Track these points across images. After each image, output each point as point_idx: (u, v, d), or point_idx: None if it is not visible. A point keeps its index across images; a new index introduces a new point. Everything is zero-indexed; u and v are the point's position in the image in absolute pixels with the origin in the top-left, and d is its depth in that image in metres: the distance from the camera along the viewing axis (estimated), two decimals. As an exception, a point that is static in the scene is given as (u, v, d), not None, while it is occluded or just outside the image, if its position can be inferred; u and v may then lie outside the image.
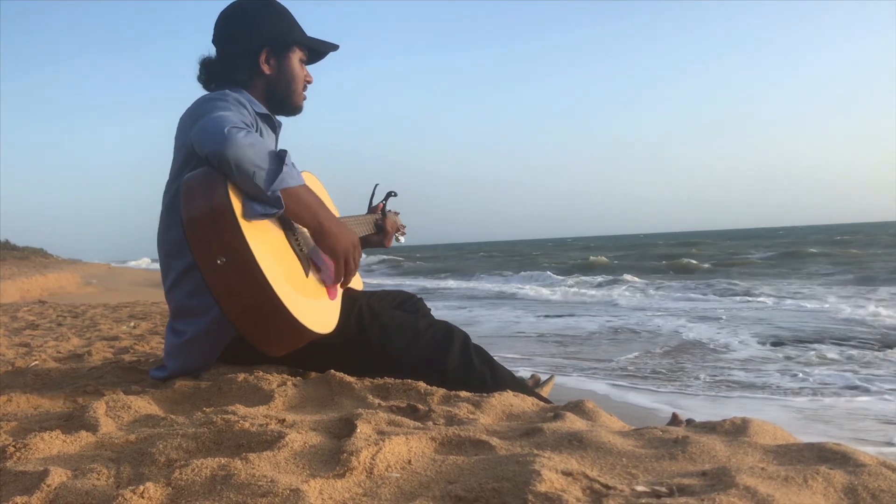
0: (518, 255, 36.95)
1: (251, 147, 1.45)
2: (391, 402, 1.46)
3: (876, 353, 5.57)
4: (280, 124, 1.95)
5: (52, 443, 1.16)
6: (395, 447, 1.06)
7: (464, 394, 1.54)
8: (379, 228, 2.21)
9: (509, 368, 1.85)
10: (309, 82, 1.95)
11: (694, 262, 21.92)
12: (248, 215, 1.46)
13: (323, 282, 1.69)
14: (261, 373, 1.69)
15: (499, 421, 1.35)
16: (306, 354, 1.65)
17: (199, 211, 1.45)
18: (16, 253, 29.52)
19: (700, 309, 9.60)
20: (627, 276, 16.84)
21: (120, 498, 0.88)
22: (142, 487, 0.90)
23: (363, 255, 1.82)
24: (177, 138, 1.75)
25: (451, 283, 18.99)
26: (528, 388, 1.84)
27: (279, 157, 1.49)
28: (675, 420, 1.81)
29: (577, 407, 1.44)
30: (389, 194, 2.29)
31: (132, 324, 4.30)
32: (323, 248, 1.62)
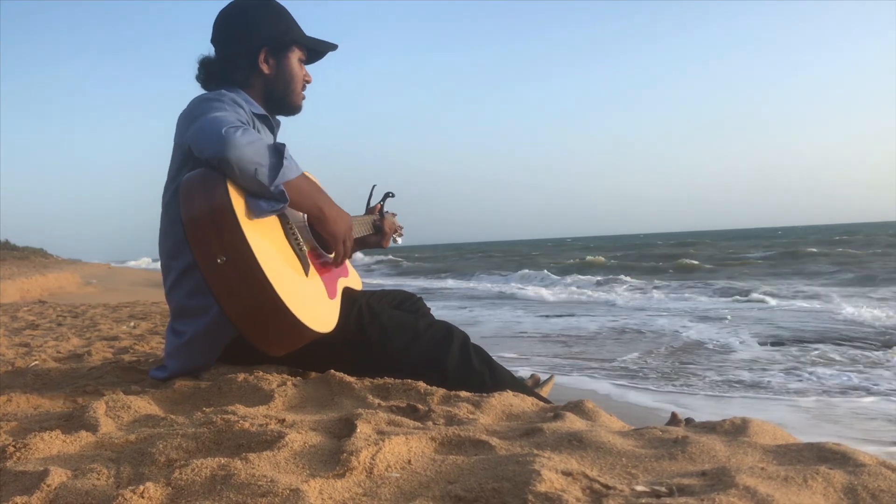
0: (517, 255, 36.96)
1: (250, 145, 1.46)
2: (391, 402, 1.46)
3: (877, 353, 5.58)
4: (279, 124, 1.95)
5: (52, 443, 1.16)
6: (394, 447, 1.06)
7: (464, 394, 1.54)
8: (377, 229, 2.21)
9: (513, 368, 1.85)
10: (308, 82, 1.95)
11: (693, 262, 21.92)
12: (255, 213, 1.47)
13: (324, 283, 1.70)
14: (261, 373, 1.69)
15: (499, 421, 1.36)
16: (306, 354, 1.66)
17: (199, 210, 1.45)
18: (16, 253, 29.51)
19: (701, 309, 9.60)
20: (625, 277, 16.84)
21: (120, 498, 0.88)
22: (142, 487, 0.90)
23: (362, 255, 1.83)
24: (174, 139, 1.75)
25: (450, 284, 19.01)
26: (527, 388, 1.84)
27: (278, 151, 1.50)
28: (674, 420, 1.81)
29: (576, 407, 1.44)
30: (387, 195, 2.29)
31: (132, 324, 4.30)
32: (323, 233, 1.67)
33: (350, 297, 1.83)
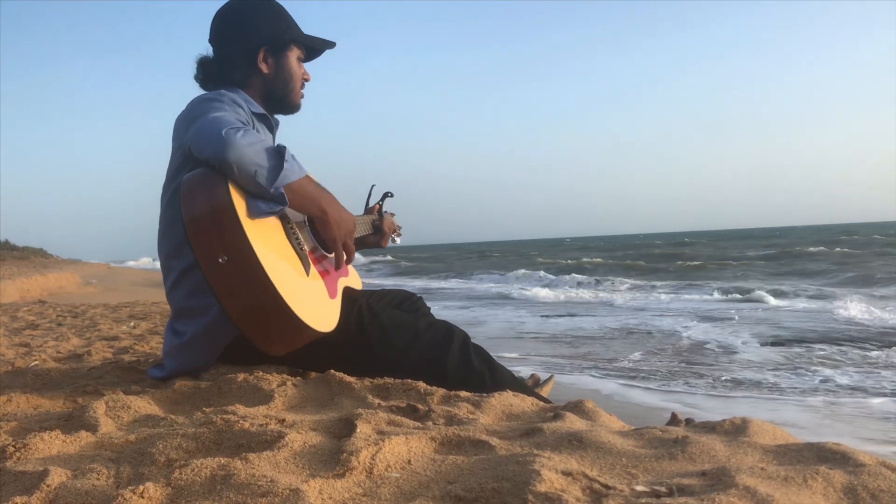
0: (515, 255, 36.97)
1: (250, 146, 1.46)
2: (391, 402, 1.46)
3: (878, 352, 5.58)
4: (277, 123, 1.95)
5: (52, 443, 1.16)
6: (394, 447, 1.06)
7: (464, 394, 1.54)
8: (376, 229, 2.21)
9: (514, 368, 1.85)
10: (306, 80, 1.95)
11: (693, 262, 21.91)
12: (253, 214, 1.47)
13: (325, 283, 1.70)
14: (261, 373, 1.69)
15: (499, 421, 1.36)
16: (306, 354, 1.66)
17: (201, 210, 1.45)
18: (16, 253, 29.50)
19: (702, 309, 9.60)
20: (624, 277, 16.84)
21: (120, 498, 0.88)
22: (142, 487, 0.90)
23: (360, 255, 1.83)
24: (174, 139, 1.75)
25: (447, 284, 19.01)
26: (527, 387, 1.84)
27: (279, 153, 1.50)
28: (674, 420, 1.81)
29: (576, 407, 1.44)
30: (386, 195, 2.29)
31: (132, 324, 4.30)
32: (325, 235, 1.65)
33: (350, 297, 1.83)
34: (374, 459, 1.01)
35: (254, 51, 1.83)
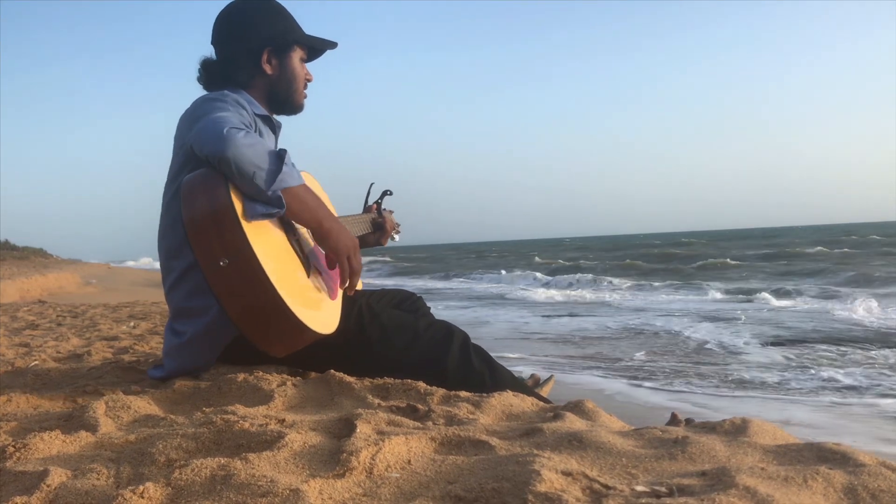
0: (515, 255, 36.97)
1: (251, 147, 1.46)
2: (391, 402, 1.46)
3: (883, 352, 5.58)
4: (280, 125, 1.95)
5: (52, 443, 1.16)
6: (394, 447, 1.06)
7: (463, 394, 1.54)
8: (376, 227, 2.21)
9: (514, 368, 1.85)
10: (309, 80, 1.95)
11: (693, 262, 21.91)
12: (250, 215, 1.46)
13: (325, 284, 1.70)
14: (261, 373, 1.69)
15: (499, 421, 1.36)
16: (306, 355, 1.66)
17: (201, 211, 1.45)
18: (15, 253, 29.49)
19: (704, 310, 9.59)
20: (623, 277, 16.84)
21: (120, 498, 0.88)
22: (142, 487, 0.90)
23: (362, 256, 1.83)
24: (176, 139, 1.75)
25: (443, 284, 19.02)
26: (527, 387, 1.84)
27: (279, 157, 1.49)
28: (674, 420, 1.81)
29: (576, 407, 1.44)
30: (385, 193, 2.29)
31: (132, 324, 4.30)
32: (324, 248, 1.63)
33: (350, 297, 1.83)
34: (374, 459, 1.01)
35: (257, 52, 1.83)
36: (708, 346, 6.22)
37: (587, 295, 13.16)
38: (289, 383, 1.62)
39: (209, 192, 1.46)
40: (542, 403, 1.55)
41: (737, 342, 6.35)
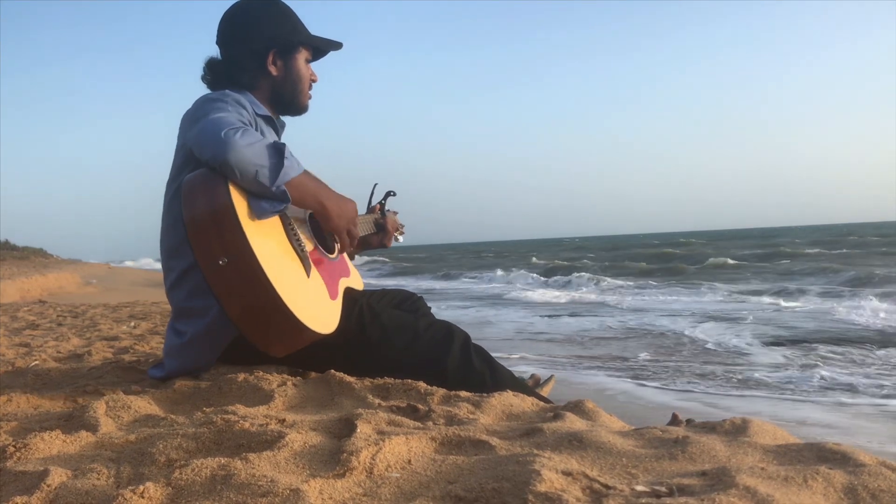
0: (515, 255, 36.96)
1: (250, 147, 1.46)
2: (391, 402, 1.46)
3: (881, 352, 5.58)
4: (283, 125, 1.95)
5: (52, 443, 1.16)
6: (395, 447, 1.06)
7: (464, 394, 1.54)
8: (379, 227, 2.21)
9: (521, 368, 1.85)
10: (314, 81, 1.95)
11: (692, 263, 21.90)
12: (257, 214, 1.47)
13: (325, 284, 1.70)
14: (261, 373, 1.69)
15: (499, 421, 1.36)
16: (306, 355, 1.66)
17: (201, 211, 1.45)
18: (16, 253, 29.49)
19: (707, 310, 9.58)
20: (623, 277, 16.84)
21: (120, 498, 0.88)
22: (142, 487, 0.90)
23: (362, 256, 1.84)
24: (178, 137, 1.75)
25: (443, 284, 19.02)
26: (528, 387, 1.84)
27: (278, 151, 1.50)
28: (674, 420, 1.81)
29: (576, 407, 1.44)
30: (388, 194, 2.29)
31: (132, 324, 4.30)
32: (326, 227, 1.69)
33: (351, 297, 1.83)
34: (374, 459, 1.01)
35: (262, 54, 1.83)
36: (713, 346, 6.21)
37: (587, 295, 13.16)
38: (289, 383, 1.62)
39: (209, 192, 1.46)
40: (542, 403, 1.55)
41: (742, 342, 6.34)
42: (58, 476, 0.96)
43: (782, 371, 4.92)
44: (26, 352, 2.78)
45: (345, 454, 1.02)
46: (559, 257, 30.62)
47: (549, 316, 9.44)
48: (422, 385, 1.58)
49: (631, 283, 15.27)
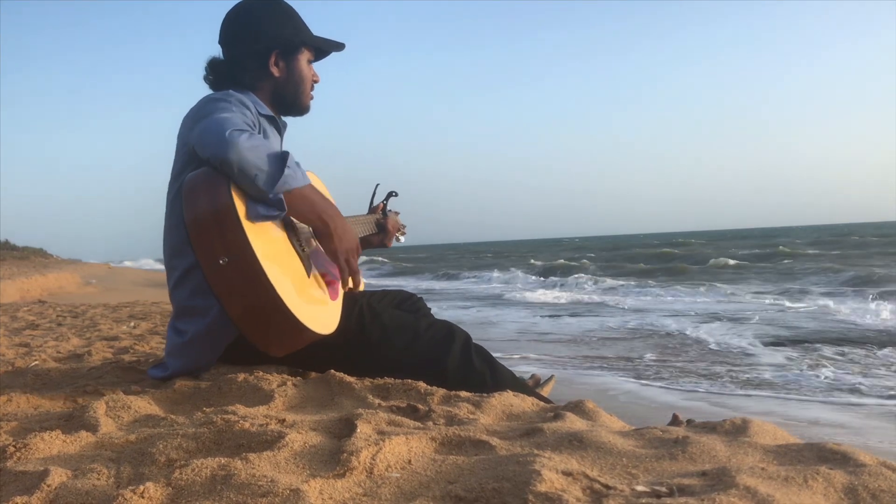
0: (515, 256, 36.96)
1: (253, 150, 1.46)
2: (391, 402, 1.46)
3: (881, 352, 5.58)
4: (285, 125, 1.95)
5: (52, 443, 1.16)
6: (395, 447, 1.06)
7: (464, 394, 1.54)
8: (380, 228, 2.21)
9: (521, 368, 1.85)
10: (316, 82, 1.95)
11: (693, 263, 21.90)
12: (251, 217, 1.47)
13: (326, 285, 1.70)
14: (261, 373, 1.69)
15: (499, 421, 1.36)
16: (306, 355, 1.66)
17: (202, 211, 1.45)
18: (16, 253, 29.50)
19: (710, 310, 9.57)
20: (624, 277, 16.84)
21: (120, 498, 0.88)
22: (142, 487, 0.90)
23: (361, 256, 1.83)
24: (179, 138, 1.75)
25: (443, 284, 19.01)
26: (528, 387, 1.84)
27: (281, 159, 1.49)
28: (675, 420, 1.81)
29: (577, 407, 1.44)
30: (390, 194, 2.29)
31: (132, 324, 4.30)
32: (325, 248, 1.64)
33: (351, 297, 1.83)
34: (374, 459, 1.01)
35: (265, 54, 1.82)
36: (717, 346, 6.20)
37: (587, 295, 13.15)
38: (289, 383, 1.62)
39: (211, 192, 1.46)
40: (542, 403, 1.55)
41: (746, 342, 6.33)
42: (58, 476, 0.96)
43: (790, 371, 4.91)
44: (26, 352, 2.78)
45: (345, 454, 1.02)
46: (560, 257, 30.61)
47: (550, 316, 9.43)
48: (422, 385, 1.58)
49: (632, 283, 15.27)
